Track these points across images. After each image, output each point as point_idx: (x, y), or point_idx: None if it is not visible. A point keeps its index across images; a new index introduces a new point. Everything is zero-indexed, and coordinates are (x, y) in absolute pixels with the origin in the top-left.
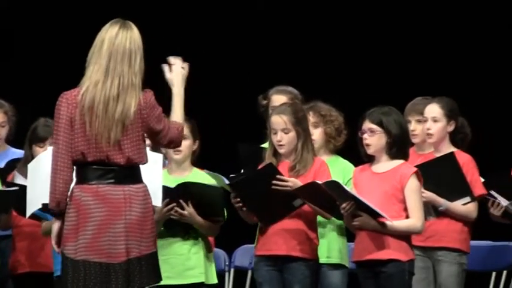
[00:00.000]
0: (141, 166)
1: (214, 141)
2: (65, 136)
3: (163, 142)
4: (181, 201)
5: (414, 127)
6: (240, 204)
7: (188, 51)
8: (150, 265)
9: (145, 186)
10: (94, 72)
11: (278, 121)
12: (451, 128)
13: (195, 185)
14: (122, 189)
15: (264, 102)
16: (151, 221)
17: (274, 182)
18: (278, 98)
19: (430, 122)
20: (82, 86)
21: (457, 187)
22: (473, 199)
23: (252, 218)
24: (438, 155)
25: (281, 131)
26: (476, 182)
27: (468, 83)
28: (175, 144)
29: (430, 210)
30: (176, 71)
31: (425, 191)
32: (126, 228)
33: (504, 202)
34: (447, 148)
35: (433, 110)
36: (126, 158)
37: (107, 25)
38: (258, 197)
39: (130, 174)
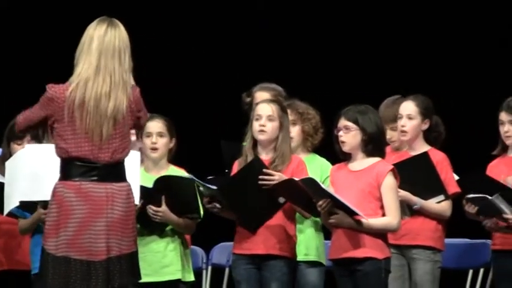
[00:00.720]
0: None
1: (197, 139)
2: (36, 111)
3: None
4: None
5: (390, 135)
6: (216, 209)
7: (170, 49)
8: (130, 264)
9: (129, 185)
10: (84, 70)
11: (265, 108)
12: (425, 126)
13: (172, 178)
14: (105, 187)
15: (248, 99)
16: (132, 220)
17: (260, 177)
18: (262, 95)
19: (405, 119)
20: (71, 82)
21: (431, 186)
22: (447, 197)
23: (232, 214)
24: (412, 152)
25: (266, 118)
26: (450, 180)
27: (442, 82)
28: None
29: (405, 209)
30: None
31: (400, 190)
32: (108, 227)
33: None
34: (421, 146)
35: (408, 107)
36: (112, 153)
37: (94, 23)
38: (243, 198)
39: (114, 172)
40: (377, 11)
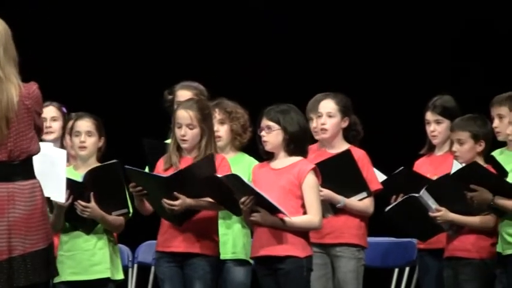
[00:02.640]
0: (43, 162)
1: (120, 137)
2: None
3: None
4: (78, 202)
5: (316, 124)
6: (140, 193)
7: (93, 47)
8: (38, 262)
9: (36, 183)
10: None
11: (184, 116)
12: (345, 124)
13: (99, 168)
14: (6, 187)
15: (170, 97)
16: (38, 218)
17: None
18: (183, 94)
19: (325, 117)
20: None
21: (354, 183)
22: (369, 194)
23: (147, 208)
24: (331, 150)
25: (186, 126)
26: (372, 177)
27: (370, 81)
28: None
29: (328, 207)
30: None
31: (323, 189)
32: (9, 227)
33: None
34: (340, 144)
35: (328, 105)
36: (9, 153)
37: None
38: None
39: (17, 171)
40: (301, 10)
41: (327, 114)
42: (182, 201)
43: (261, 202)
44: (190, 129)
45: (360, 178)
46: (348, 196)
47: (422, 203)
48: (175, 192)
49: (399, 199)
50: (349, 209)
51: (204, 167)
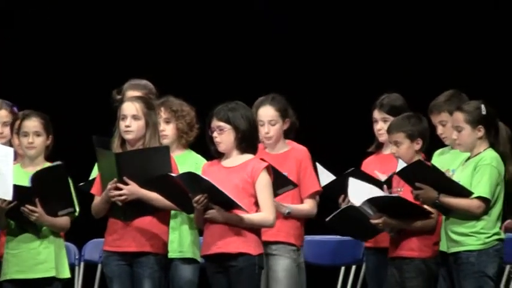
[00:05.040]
0: None
1: (69, 135)
2: None
3: None
4: (26, 208)
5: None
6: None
7: (42, 44)
8: None
9: None
10: None
11: (130, 107)
12: (286, 125)
13: (43, 170)
14: None
15: (118, 96)
16: None
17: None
18: (132, 93)
19: (268, 126)
20: None
21: (280, 180)
22: (295, 186)
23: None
24: (272, 152)
25: (131, 117)
26: (313, 178)
27: (318, 81)
28: None
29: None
30: None
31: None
32: None
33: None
34: (282, 146)
35: (269, 113)
36: None
37: None
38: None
39: None
40: (301, 10)
41: (269, 123)
42: (133, 188)
43: (217, 199)
44: (135, 119)
45: (281, 176)
46: (276, 193)
47: (361, 211)
48: (125, 177)
49: (343, 205)
50: (296, 215)
51: (159, 155)
